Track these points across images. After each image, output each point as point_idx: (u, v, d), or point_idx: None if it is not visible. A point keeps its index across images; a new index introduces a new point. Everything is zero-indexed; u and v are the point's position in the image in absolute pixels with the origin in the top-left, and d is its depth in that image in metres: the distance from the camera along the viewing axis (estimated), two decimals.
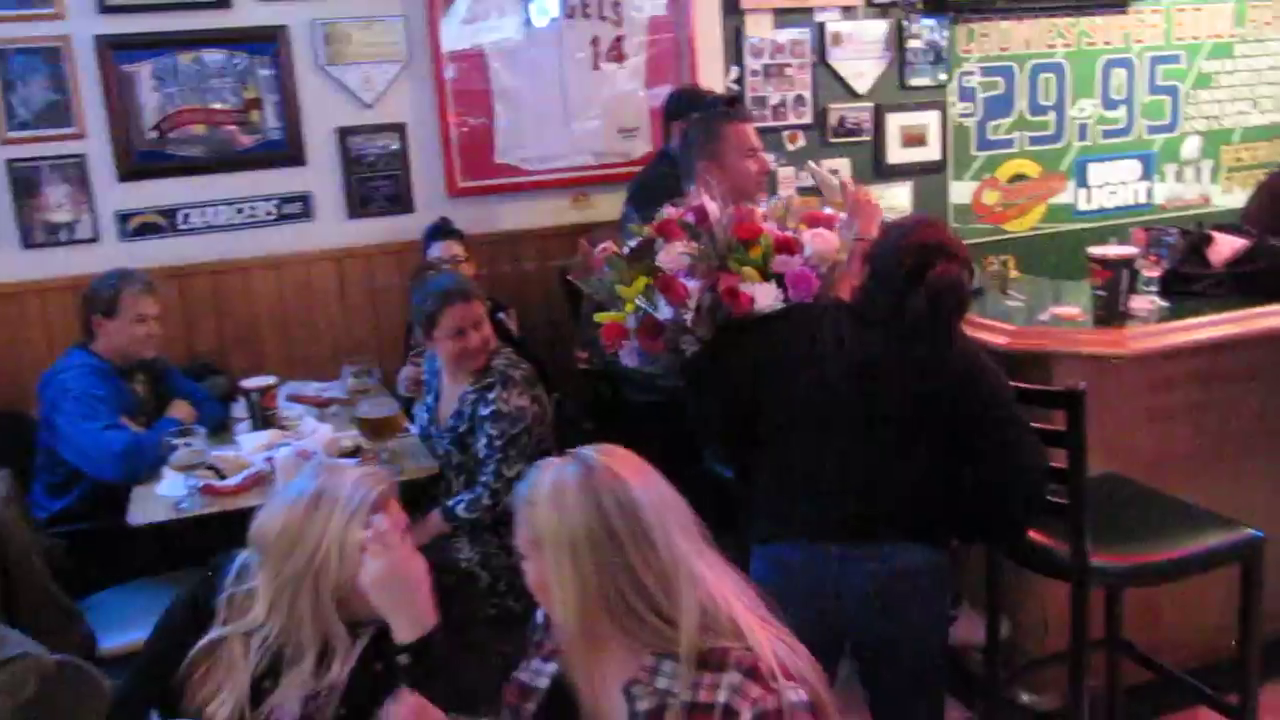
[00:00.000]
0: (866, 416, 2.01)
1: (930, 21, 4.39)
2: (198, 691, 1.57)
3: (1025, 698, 2.77)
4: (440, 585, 1.64)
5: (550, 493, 1.41)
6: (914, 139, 4.45)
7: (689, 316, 2.23)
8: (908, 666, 2.06)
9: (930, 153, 4.49)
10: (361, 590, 1.56)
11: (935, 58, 4.43)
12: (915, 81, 4.42)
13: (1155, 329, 2.54)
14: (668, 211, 2.41)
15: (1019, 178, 4.68)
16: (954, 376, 2.00)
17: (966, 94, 4.53)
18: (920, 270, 1.97)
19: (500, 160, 3.92)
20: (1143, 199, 4.91)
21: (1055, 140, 4.71)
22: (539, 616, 1.56)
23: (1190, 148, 4.97)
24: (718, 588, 1.42)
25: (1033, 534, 2.23)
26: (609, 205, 3.90)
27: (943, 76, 4.45)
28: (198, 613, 1.62)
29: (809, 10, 4.23)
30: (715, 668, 1.35)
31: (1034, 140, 4.68)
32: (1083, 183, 4.80)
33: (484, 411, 2.71)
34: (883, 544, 1.99)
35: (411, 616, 1.56)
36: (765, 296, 2.21)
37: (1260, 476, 2.91)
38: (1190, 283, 2.79)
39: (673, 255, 2.31)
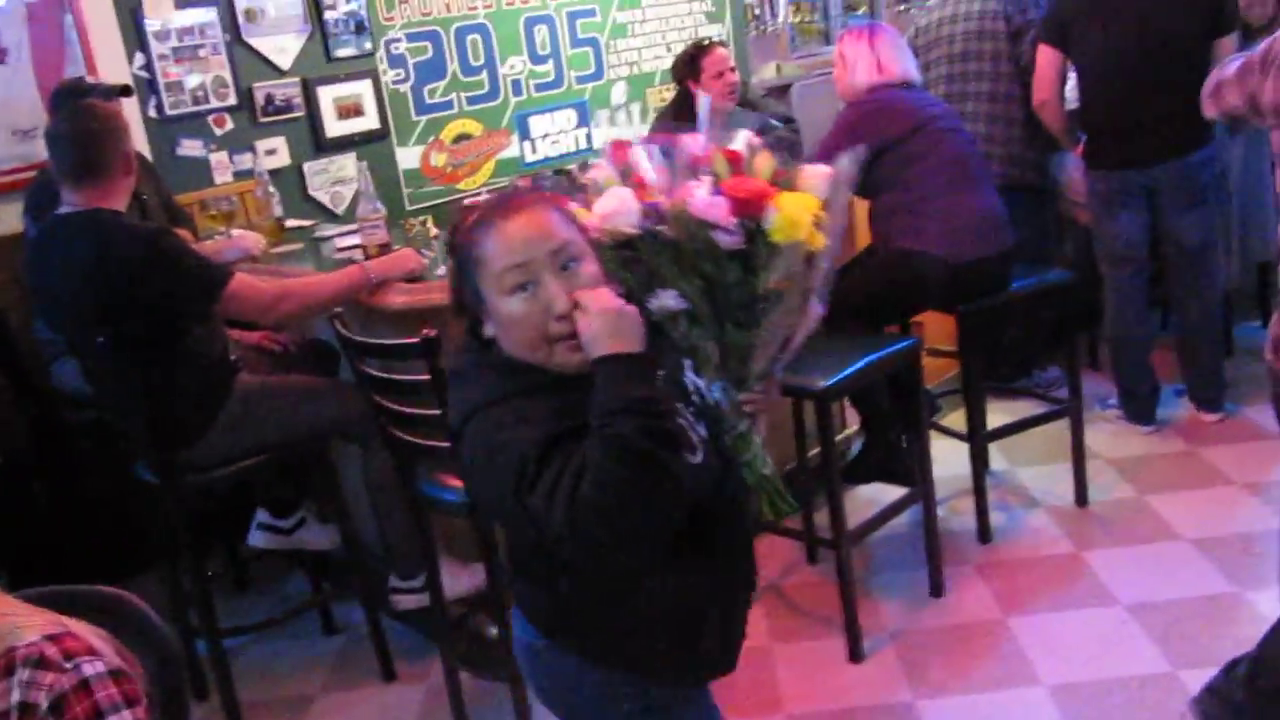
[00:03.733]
0: None
1: None
2: None
3: None
4: None
5: None
6: (350, 110, 4.46)
7: None
8: None
9: (370, 122, 4.52)
10: None
11: (358, 27, 4.45)
12: (341, 53, 4.42)
13: None
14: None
15: (463, 137, 4.85)
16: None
17: (397, 61, 4.59)
18: None
19: None
20: (583, 145, 5.28)
21: (492, 98, 4.92)
22: None
23: (618, 93, 5.41)
24: None
25: None
26: (8, 215, 3.55)
27: (368, 45, 4.48)
28: None
29: None
30: (4, 674, 1.29)
31: (472, 100, 4.86)
32: (526, 135, 5.06)
33: None
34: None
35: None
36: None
37: None
38: None
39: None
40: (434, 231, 3.29)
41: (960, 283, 3.15)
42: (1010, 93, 4.17)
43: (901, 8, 7.14)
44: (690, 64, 4.12)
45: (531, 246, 1.38)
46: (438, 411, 2.22)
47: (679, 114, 4.15)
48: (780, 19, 6.87)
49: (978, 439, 3.36)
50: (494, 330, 1.42)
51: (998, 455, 3.83)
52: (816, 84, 7.06)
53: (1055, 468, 3.67)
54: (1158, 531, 3.32)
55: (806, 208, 1.58)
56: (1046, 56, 3.82)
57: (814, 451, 3.16)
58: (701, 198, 1.55)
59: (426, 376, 2.20)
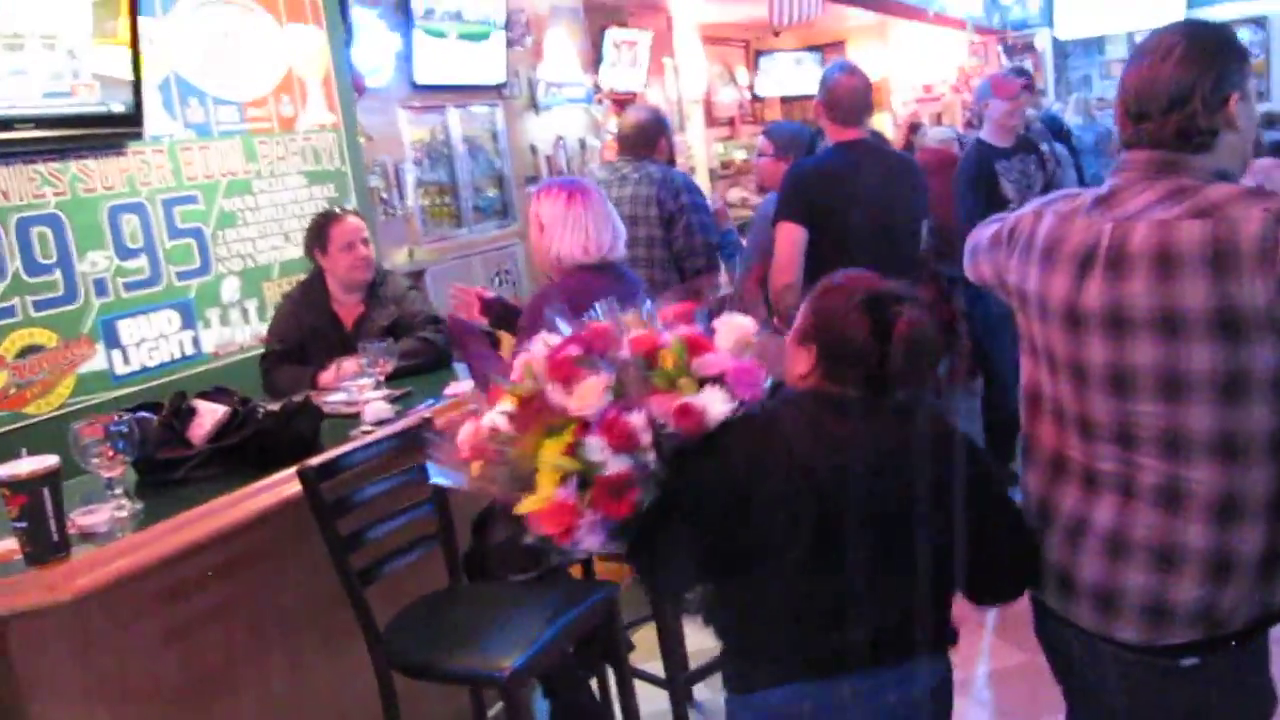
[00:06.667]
0: (875, 519, 1.71)
1: None
2: None
3: None
4: None
5: None
6: None
7: (651, 458, 1.75)
8: None
9: None
10: None
11: None
12: None
13: (116, 548, 2.01)
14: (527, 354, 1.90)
15: (32, 350, 3.93)
16: (950, 450, 1.76)
17: None
18: (884, 329, 1.75)
19: None
20: (191, 351, 4.50)
21: (69, 301, 4.06)
22: None
23: (230, 289, 4.70)
24: None
25: None
26: None
27: None
28: None
29: None
30: None
31: (41, 305, 3.97)
32: (115, 344, 4.22)
33: None
34: (899, 666, 1.77)
35: None
36: (716, 404, 1.80)
37: (313, 654, 2.58)
38: (173, 469, 2.33)
39: (592, 397, 1.77)
40: None
41: None
42: (666, 280, 3.96)
43: (530, 189, 6.99)
44: (318, 234, 3.59)
45: None
46: None
47: (309, 292, 3.55)
48: (410, 203, 6.51)
49: (677, 685, 2.91)
50: None
51: (702, 686, 3.39)
52: (452, 267, 6.77)
53: None
54: None
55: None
56: (790, 235, 3.50)
57: None
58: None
59: None
